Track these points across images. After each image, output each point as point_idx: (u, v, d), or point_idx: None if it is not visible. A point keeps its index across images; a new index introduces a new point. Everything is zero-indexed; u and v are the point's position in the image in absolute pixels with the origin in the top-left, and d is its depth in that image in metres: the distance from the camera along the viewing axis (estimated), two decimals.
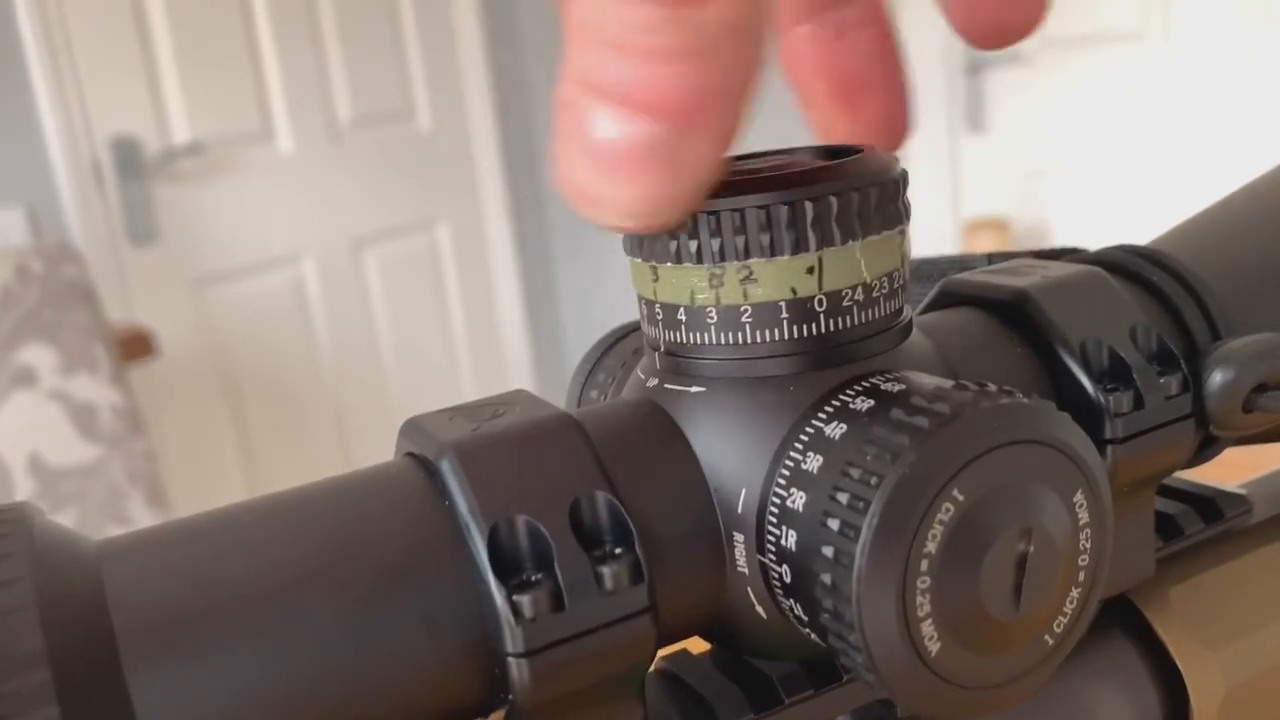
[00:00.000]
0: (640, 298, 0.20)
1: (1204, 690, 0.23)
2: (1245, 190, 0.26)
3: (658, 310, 0.19)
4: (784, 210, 0.18)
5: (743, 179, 0.18)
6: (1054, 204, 1.83)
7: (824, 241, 0.18)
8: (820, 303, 0.18)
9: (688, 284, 0.19)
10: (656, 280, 0.19)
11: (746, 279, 0.18)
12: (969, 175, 1.90)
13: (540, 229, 2.38)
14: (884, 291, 0.19)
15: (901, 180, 0.19)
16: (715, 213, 0.18)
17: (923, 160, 1.90)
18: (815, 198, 0.18)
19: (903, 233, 0.19)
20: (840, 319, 0.19)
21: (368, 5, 2.04)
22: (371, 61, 2.05)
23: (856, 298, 0.19)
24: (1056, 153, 1.80)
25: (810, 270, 0.18)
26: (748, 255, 0.18)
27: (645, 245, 0.19)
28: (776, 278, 0.18)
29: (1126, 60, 1.70)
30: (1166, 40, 1.67)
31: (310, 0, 1.96)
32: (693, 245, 0.18)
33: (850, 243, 0.18)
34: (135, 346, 1.52)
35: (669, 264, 0.19)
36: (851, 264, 0.18)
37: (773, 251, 0.18)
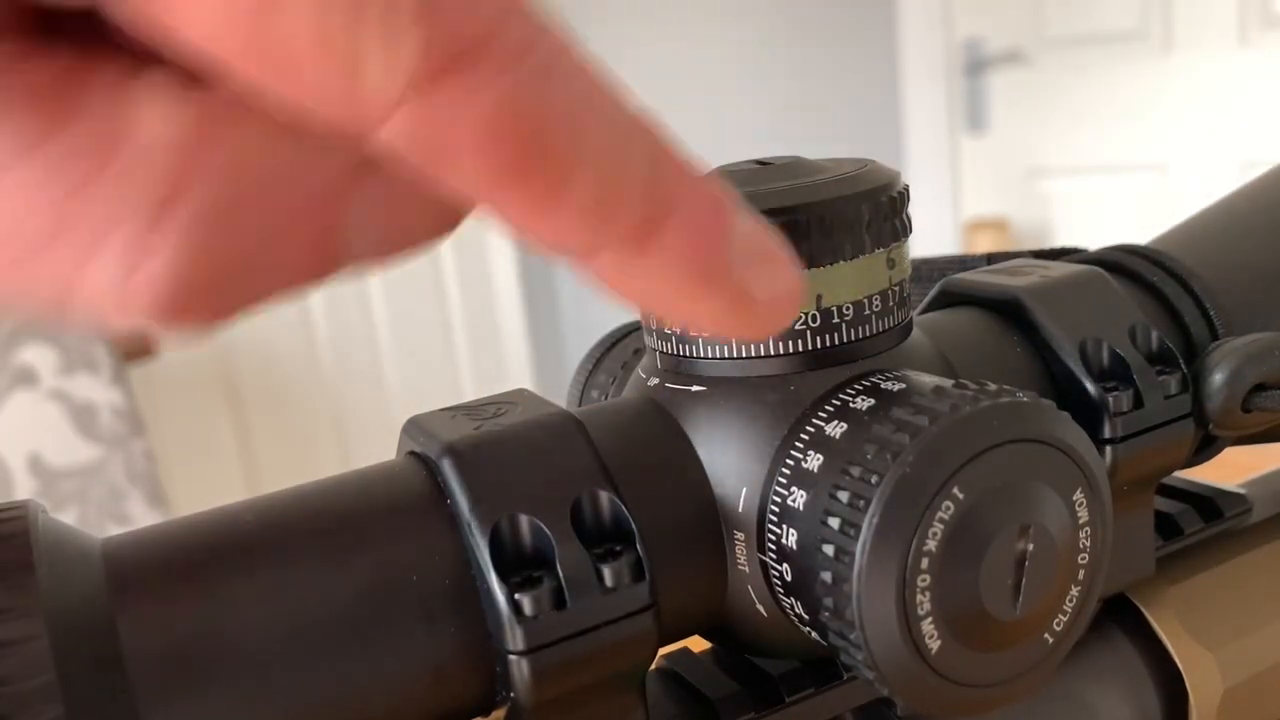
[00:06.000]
0: None
1: (1203, 688, 0.23)
2: (1245, 190, 0.26)
3: None
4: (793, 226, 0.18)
5: (757, 194, 0.18)
6: (1054, 204, 1.83)
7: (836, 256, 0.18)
8: (819, 300, 0.18)
9: None
10: None
11: None
12: (969, 175, 1.90)
13: None
14: (891, 288, 0.19)
15: (900, 197, 0.19)
16: None
17: (923, 160, 1.90)
18: (819, 215, 0.18)
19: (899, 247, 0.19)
20: (841, 319, 0.19)
21: None
22: None
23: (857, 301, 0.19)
24: (1056, 153, 1.80)
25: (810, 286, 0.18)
26: None
27: None
28: None
29: (1126, 60, 1.70)
30: (1167, 40, 1.67)
31: None
32: None
33: (859, 258, 0.18)
34: (135, 346, 1.52)
35: None
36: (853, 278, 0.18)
37: None
